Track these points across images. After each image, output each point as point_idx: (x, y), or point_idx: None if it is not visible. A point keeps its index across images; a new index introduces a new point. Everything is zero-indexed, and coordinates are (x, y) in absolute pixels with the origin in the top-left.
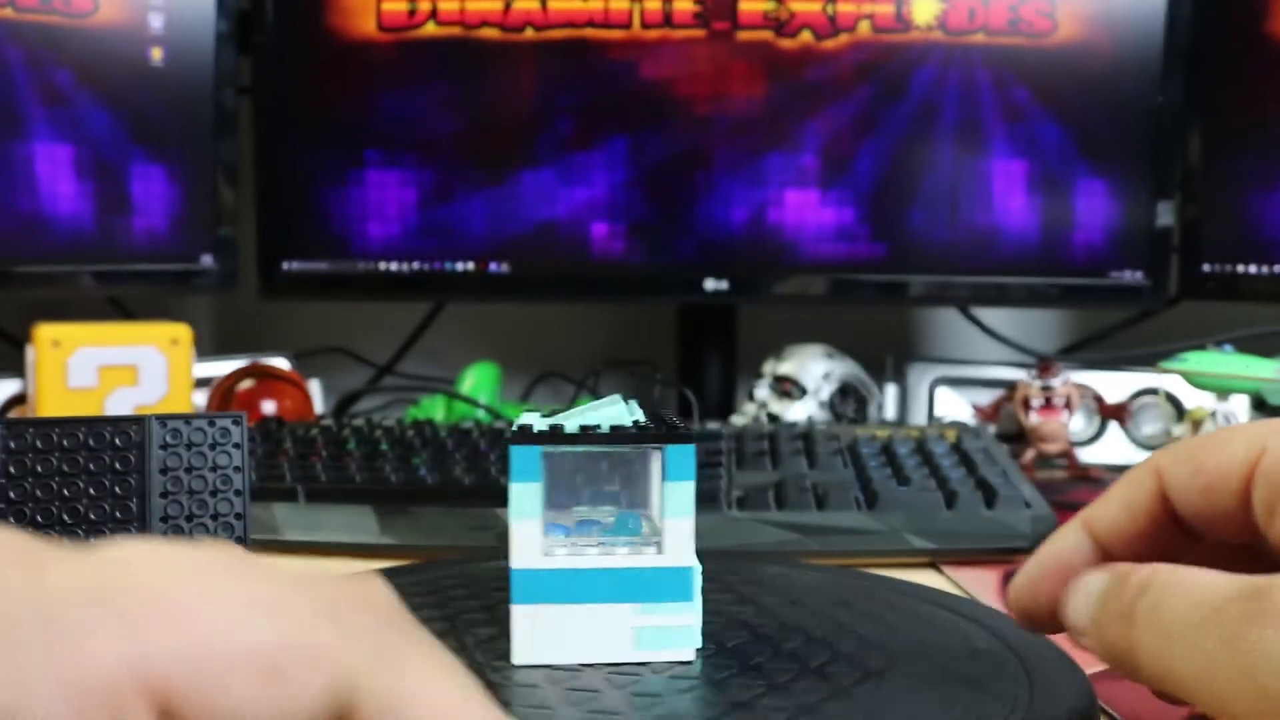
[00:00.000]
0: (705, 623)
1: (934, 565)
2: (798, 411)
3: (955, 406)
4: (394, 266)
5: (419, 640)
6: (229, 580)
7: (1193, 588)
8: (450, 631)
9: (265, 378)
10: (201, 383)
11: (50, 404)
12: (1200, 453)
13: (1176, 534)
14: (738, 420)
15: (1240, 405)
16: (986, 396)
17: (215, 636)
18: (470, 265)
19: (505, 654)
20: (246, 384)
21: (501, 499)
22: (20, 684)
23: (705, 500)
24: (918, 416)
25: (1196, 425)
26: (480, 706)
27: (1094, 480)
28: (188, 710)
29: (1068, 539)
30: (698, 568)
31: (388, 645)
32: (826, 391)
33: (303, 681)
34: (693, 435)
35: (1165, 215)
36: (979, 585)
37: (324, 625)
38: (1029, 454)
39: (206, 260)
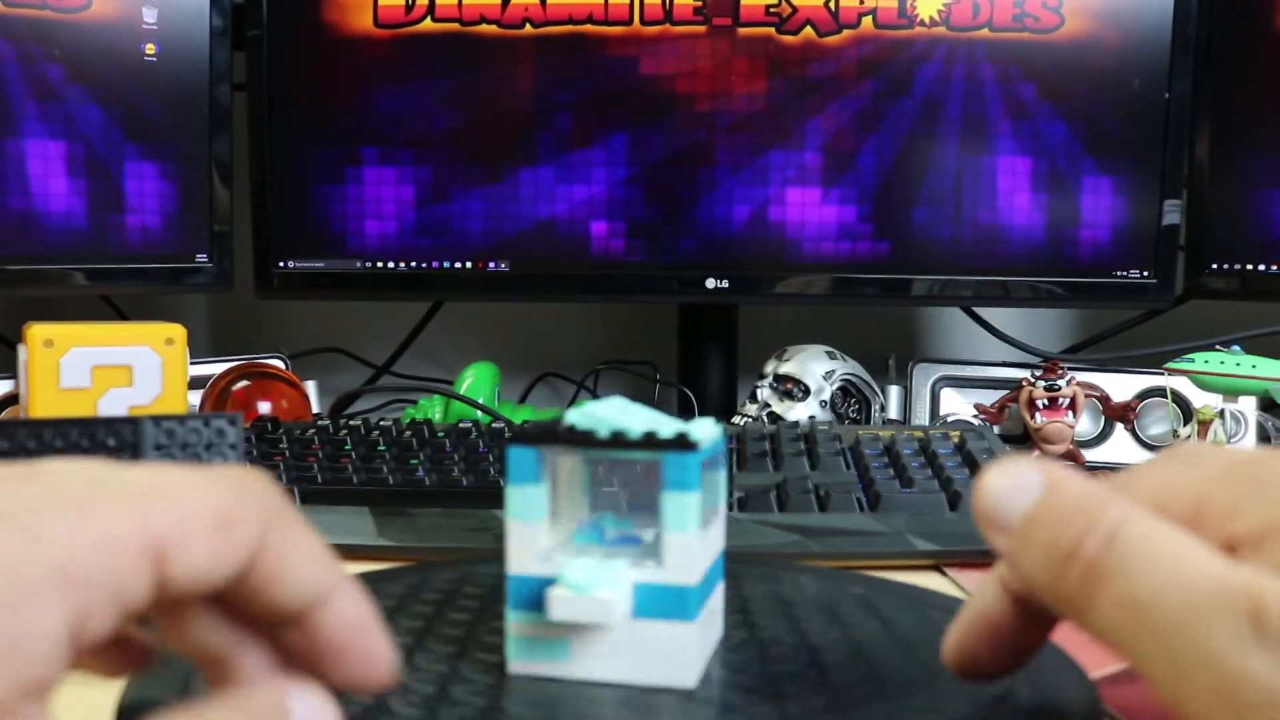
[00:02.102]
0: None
1: (937, 568)
2: (799, 412)
3: (959, 407)
4: (391, 265)
5: (296, 516)
6: (176, 468)
7: (1171, 566)
8: (449, 635)
9: (261, 378)
10: (196, 383)
11: (42, 404)
12: None
13: None
14: (739, 420)
15: (1248, 405)
16: (991, 397)
17: (186, 503)
18: (468, 264)
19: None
20: (242, 384)
21: (500, 499)
22: (67, 547)
23: None
24: (921, 417)
25: (1204, 426)
26: (338, 568)
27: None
28: (171, 559)
29: (991, 599)
30: (699, 585)
31: (280, 514)
32: (829, 392)
33: (239, 534)
34: (696, 444)
35: (1172, 213)
36: None
37: (244, 494)
38: (1034, 455)
39: (201, 259)
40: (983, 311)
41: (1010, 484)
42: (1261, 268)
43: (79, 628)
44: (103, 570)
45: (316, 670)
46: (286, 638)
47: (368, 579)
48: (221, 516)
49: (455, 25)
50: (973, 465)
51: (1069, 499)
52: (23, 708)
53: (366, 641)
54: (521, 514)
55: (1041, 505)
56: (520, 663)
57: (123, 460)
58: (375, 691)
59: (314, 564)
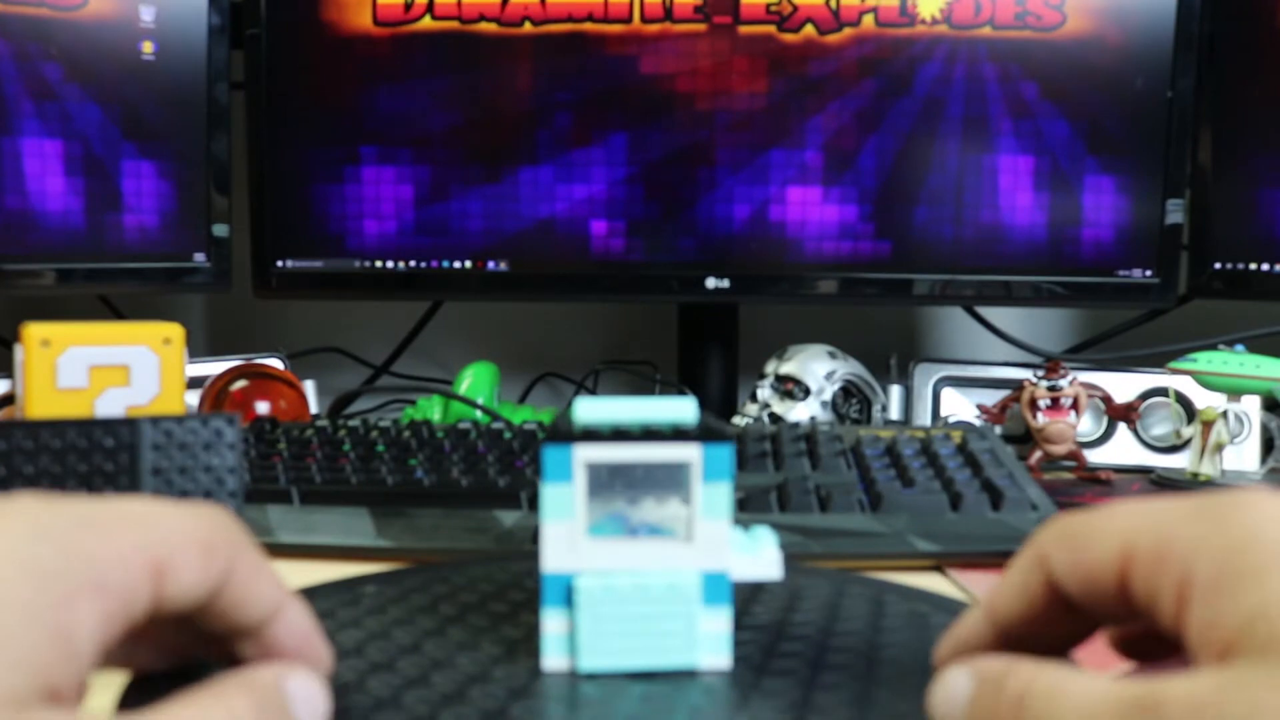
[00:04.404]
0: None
1: (939, 568)
2: (800, 412)
3: (961, 407)
4: (390, 265)
5: (254, 545)
6: (167, 502)
7: (1076, 696)
8: (450, 634)
9: (259, 378)
10: (194, 383)
11: (39, 405)
12: (1078, 541)
13: (1072, 617)
14: (739, 421)
15: (1252, 405)
16: (992, 397)
17: (179, 530)
18: (468, 263)
19: (512, 659)
20: (240, 384)
21: (499, 500)
22: (98, 560)
23: None
24: (922, 417)
25: (1207, 426)
26: (285, 587)
27: (1102, 482)
28: (168, 577)
29: (970, 625)
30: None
31: (244, 543)
32: (830, 392)
33: (220, 557)
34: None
35: (1175, 212)
36: (984, 589)
37: (219, 525)
38: (1036, 455)
39: (199, 258)
40: (984, 311)
41: (948, 690)
42: (1265, 267)
43: (107, 631)
44: (122, 582)
45: None
46: (243, 649)
47: (385, 578)
48: (205, 543)
49: (454, 24)
50: (974, 466)
51: (992, 681)
52: (73, 699)
53: (311, 645)
54: (718, 513)
55: (975, 693)
56: (720, 656)
57: (120, 461)
58: None
59: (270, 584)
